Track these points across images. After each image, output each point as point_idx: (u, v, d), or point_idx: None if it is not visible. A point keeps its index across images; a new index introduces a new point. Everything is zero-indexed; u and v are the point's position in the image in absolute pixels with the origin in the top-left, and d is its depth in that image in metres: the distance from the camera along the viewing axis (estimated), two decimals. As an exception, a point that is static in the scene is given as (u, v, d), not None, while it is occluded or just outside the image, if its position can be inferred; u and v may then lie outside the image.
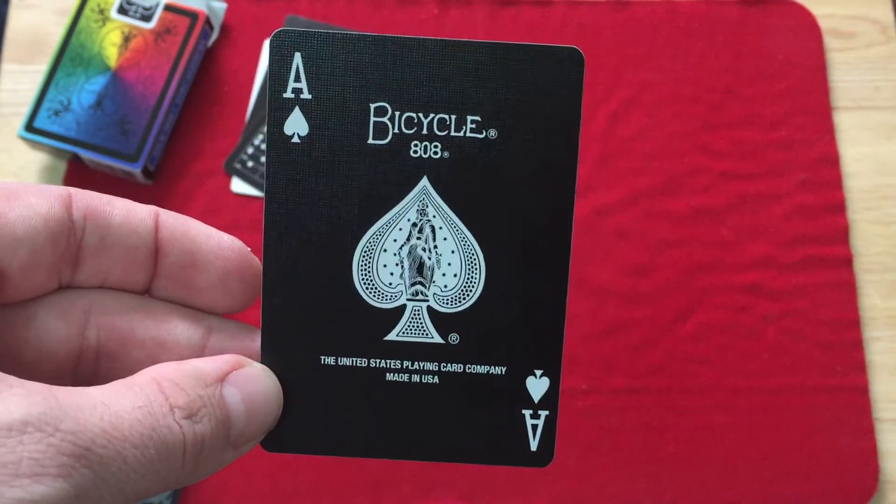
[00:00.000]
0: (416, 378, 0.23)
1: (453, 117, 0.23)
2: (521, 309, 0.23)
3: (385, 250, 0.23)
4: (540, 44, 0.22)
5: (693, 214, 0.56)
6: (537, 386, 0.25)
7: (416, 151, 0.23)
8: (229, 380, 0.21)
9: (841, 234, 0.56)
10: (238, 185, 0.56)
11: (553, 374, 0.25)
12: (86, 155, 0.53)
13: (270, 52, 0.23)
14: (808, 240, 0.56)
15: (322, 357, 0.23)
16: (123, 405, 0.19)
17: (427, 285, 0.23)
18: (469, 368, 0.24)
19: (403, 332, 0.23)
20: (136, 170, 0.53)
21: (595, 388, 0.53)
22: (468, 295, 0.23)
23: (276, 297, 0.23)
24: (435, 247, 0.23)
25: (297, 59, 0.22)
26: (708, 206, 0.56)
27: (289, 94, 0.23)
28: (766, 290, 0.55)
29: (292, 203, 0.23)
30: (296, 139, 0.23)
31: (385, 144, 0.23)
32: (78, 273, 0.23)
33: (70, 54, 0.55)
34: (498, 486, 0.51)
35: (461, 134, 0.23)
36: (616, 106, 0.58)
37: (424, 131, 0.23)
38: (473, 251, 0.23)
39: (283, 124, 0.23)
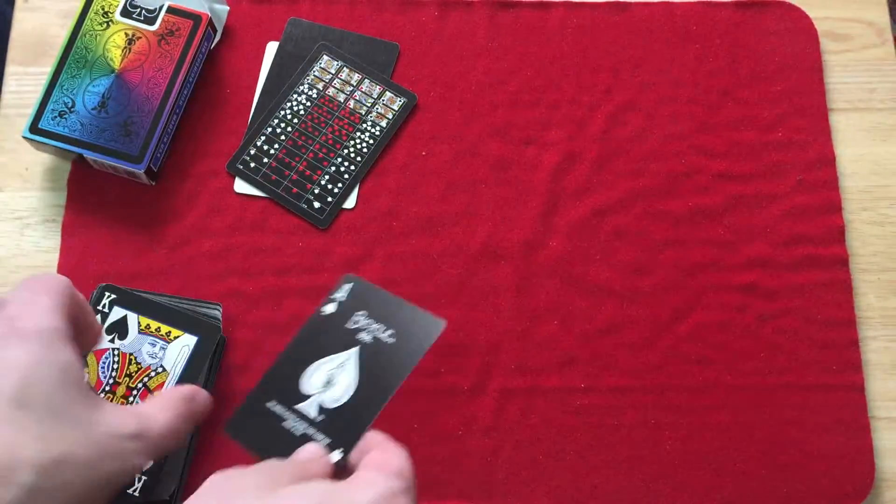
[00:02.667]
0: (294, 429, 0.43)
1: (382, 326, 0.45)
2: (351, 418, 0.43)
3: (319, 369, 0.44)
4: (423, 311, 0.45)
5: (690, 215, 0.57)
6: (335, 456, 0.42)
7: (360, 335, 0.45)
8: (195, 396, 0.43)
9: (837, 235, 0.56)
10: (241, 186, 0.57)
11: (346, 453, 0.41)
12: (90, 156, 0.54)
13: (342, 280, 0.47)
14: (805, 240, 0.56)
15: (267, 403, 0.44)
16: (157, 417, 0.42)
17: (326, 391, 0.43)
18: (317, 434, 0.42)
19: (304, 406, 0.43)
20: (139, 171, 0.54)
21: (593, 386, 0.53)
22: (338, 402, 0.43)
23: (274, 371, 0.45)
24: (341, 376, 0.44)
25: (348, 286, 0.46)
26: (705, 206, 0.57)
27: (335, 296, 0.46)
28: (762, 289, 0.55)
29: (308, 335, 0.45)
30: (324, 313, 0.46)
31: (351, 328, 0.45)
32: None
33: (74, 56, 0.56)
34: (497, 485, 0.51)
35: (382, 336, 0.44)
36: (614, 107, 0.59)
37: (369, 328, 0.45)
38: (353, 385, 0.43)
39: (324, 305, 0.46)
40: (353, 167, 0.57)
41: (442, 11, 0.61)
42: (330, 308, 0.46)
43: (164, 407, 0.41)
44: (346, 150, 0.57)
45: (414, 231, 0.56)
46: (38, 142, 0.54)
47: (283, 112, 0.58)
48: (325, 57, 0.60)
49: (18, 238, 0.56)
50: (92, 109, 0.54)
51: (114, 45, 0.56)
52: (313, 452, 0.41)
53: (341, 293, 0.46)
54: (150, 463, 0.40)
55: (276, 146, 0.57)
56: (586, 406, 0.53)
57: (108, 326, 0.49)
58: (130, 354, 0.48)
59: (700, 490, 0.51)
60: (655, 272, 0.55)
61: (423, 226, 0.56)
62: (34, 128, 0.54)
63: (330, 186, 0.57)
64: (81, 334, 0.41)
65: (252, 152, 0.57)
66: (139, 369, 0.48)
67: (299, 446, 0.42)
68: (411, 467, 0.39)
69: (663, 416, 0.53)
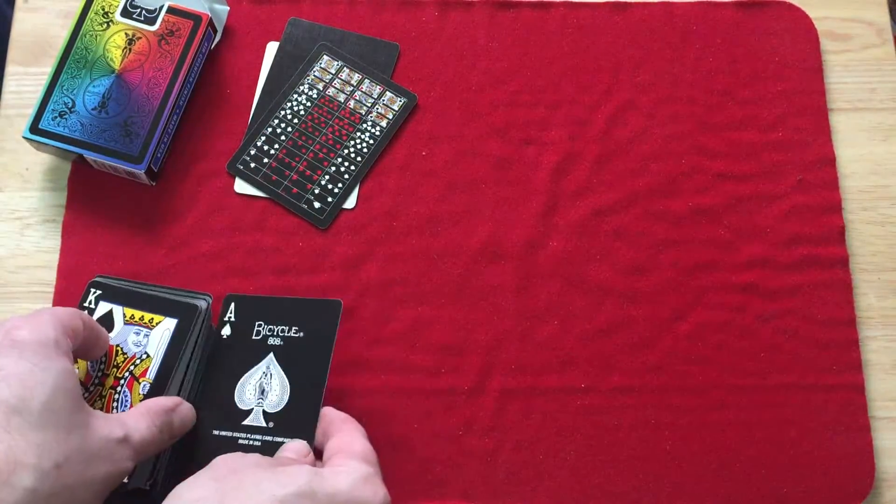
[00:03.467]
0: (252, 442, 0.45)
1: (287, 327, 0.48)
2: (298, 413, 0.46)
3: (249, 383, 0.47)
4: (318, 299, 0.48)
5: (690, 215, 0.57)
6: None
7: (270, 341, 0.48)
8: (178, 410, 0.46)
9: (837, 235, 0.56)
10: (241, 186, 0.57)
11: (309, 441, 0.45)
12: (90, 156, 0.54)
13: (224, 302, 0.50)
14: (805, 240, 0.56)
15: (213, 430, 0.47)
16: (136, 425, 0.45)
17: (264, 399, 0.46)
18: (275, 438, 0.45)
19: (250, 420, 0.46)
20: (140, 171, 0.54)
21: (593, 386, 0.53)
22: (281, 405, 0.46)
23: (200, 404, 0.47)
24: (270, 383, 0.47)
25: (233, 304, 0.49)
26: (705, 206, 0.57)
27: (226, 318, 0.49)
28: (763, 289, 0.55)
29: (216, 360, 0.49)
30: (224, 335, 0.49)
31: (258, 339, 0.48)
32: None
33: (74, 56, 0.56)
34: (497, 484, 0.51)
35: (290, 334, 0.47)
36: (614, 108, 0.59)
37: (276, 332, 0.48)
38: (286, 387, 0.46)
39: (221, 329, 0.49)
40: (353, 167, 0.57)
41: (442, 11, 0.61)
42: (226, 330, 0.49)
43: (143, 415, 0.44)
44: (346, 150, 0.58)
45: (414, 231, 0.56)
46: (38, 142, 0.54)
47: (283, 112, 0.58)
48: (326, 57, 0.60)
49: (19, 238, 0.56)
50: (92, 110, 0.54)
51: (114, 45, 0.56)
52: (298, 450, 0.44)
53: (229, 314, 0.49)
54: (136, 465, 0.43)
55: (277, 146, 0.57)
56: (586, 406, 0.53)
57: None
58: (117, 346, 0.48)
59: (700, 490, 0.51)
60: (655, 272, 0.55)
61: (423, 226, 0.56)
62: (34, 128, 0.54)
63: (330, 186, 0.57)
64: (89, 348, 0.46)
65: (252, 152, 0.57)
66: (125, 359, 0.48)
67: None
68: (371, 448, 0.43)
69: (663, 416, 0.53)
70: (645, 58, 0.60)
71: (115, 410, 0.47)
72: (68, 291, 0.54)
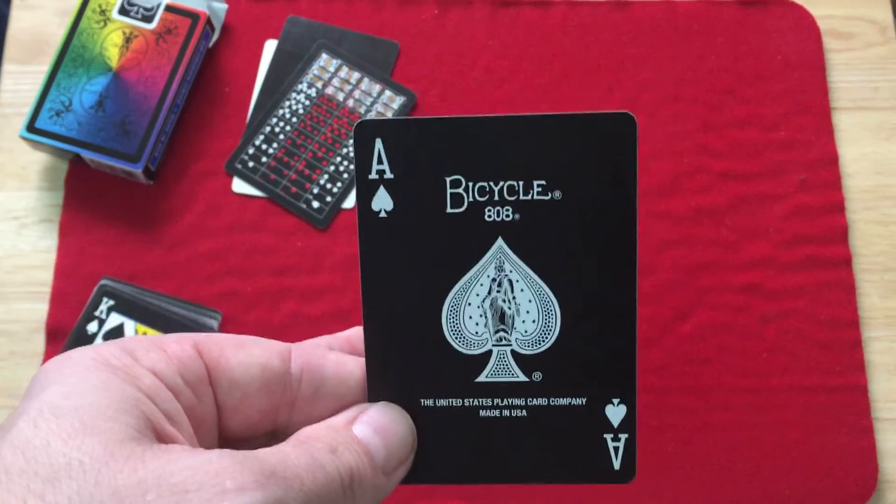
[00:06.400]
0: (506, 413, 0.26)
1: (521, 183, 0.25)
2: (596, 346, 0.26)
3: (469, 304, 0.26)
4: (593, 112, 0.25)
5: (693, 214, 0.56)
6: (616, 413, 0.26)
7: (489, 215, 0.25)
8: (357, 420, 0.25)
9: (840, 234, 0.56)
10: (239, 186, 0.56)
11: (629, 400, 0.26)
12: (87, 155, 0.54)
13: (355, 140, 0.26)
14: (808, 240, 0.56)
15: (422, 400, 0.26)
16: (285, 449, 0.23)
17: (509, 332, 0.26)
18: (553, 401, 0.26)
19: (491, 374, 0.26)
20: (137, 170, 0.53)
21: (595, 387, 0.53)
22: (547, 337, 0.26)
23: (378, 354, 0.26)
24: (514, 298, 0.26)
25: (378, 144, 0.25)
26: (708, 206, 0.56)
27: (373, 176, 0.25)
28: (765, 289, 0.55)
29: (384, 269, 0.26)
30: (382, 214, 0.26)
31: (462, 212, 0.25)
32: (293, 416, 0.26)
33: (71, 55, 0.55)
34: (497, 485, 0.51)
35: (529, 197, 0.25)
36: (615, 106, 0.58)
37: (496, 197, 0.25)
38: (549, 299, 0.26)
39: (370, 201, 0.26)
40: (352, 166, 0.57)
41: (442, 9, 0.60)
42: (382, 201, 0.26)
43: (300, 451, 0.26)
44: (345, 150, 0.57)
45: (414, 231, 0.56)
46: (35, 141, 0.54)
47: (281, 111, 0.58)
48: (324, 55, 0.59)
49: (15, 238, 0.56)
50: (89, 108, 0.54)
51: (111, 43, 0.55)
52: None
53: (377, 160, 0.26)
54: None
55: (275, 145, 0.57)
56: (587, 407, 0.52)
57: (105, 333, 0.49)
58: None
59: (702, 492, 0.51)
60: (657, 272, 0.55)
61: (423, 225, 0.56)
62: (31, 127, 0.54)
63: (329, 186, 0.56)
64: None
65: (251, 151, 0.57)
66: None
67: (538, 435, 0.26)
68: None
69: (665, 417, 0.52)
70: (646, 56, 0.60)
71: None
72: (66, 292, 0.53)
